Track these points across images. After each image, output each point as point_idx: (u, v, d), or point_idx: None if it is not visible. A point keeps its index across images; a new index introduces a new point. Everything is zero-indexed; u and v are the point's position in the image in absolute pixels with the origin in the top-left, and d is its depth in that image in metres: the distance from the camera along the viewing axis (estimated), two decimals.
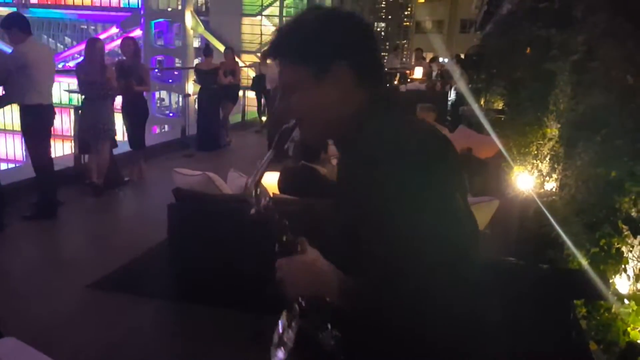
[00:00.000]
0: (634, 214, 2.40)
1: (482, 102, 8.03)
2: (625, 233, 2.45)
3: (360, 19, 1.17)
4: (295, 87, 1.14)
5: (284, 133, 1.16)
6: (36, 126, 4.86)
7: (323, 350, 1.06)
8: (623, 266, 2.48)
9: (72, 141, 6.70)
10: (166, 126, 27.90)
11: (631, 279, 2.49)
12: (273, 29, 32.18)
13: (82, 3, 36.09)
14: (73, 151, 6.57)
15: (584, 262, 2.58)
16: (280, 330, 1.14)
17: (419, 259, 0.93)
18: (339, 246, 1.10)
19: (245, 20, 32.25)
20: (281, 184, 3.98)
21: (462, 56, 12.54)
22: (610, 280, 2.56)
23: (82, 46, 6.07)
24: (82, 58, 5.96)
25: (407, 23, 49.01)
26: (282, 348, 1.10)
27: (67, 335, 3.14)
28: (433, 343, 0.98)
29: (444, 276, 0.93)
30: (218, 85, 8.37)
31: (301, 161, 3.79)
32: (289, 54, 1.14)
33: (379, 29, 50.03)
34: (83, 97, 5.82)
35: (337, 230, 1.14)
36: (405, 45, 38.91)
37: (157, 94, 32.22)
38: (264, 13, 32.48)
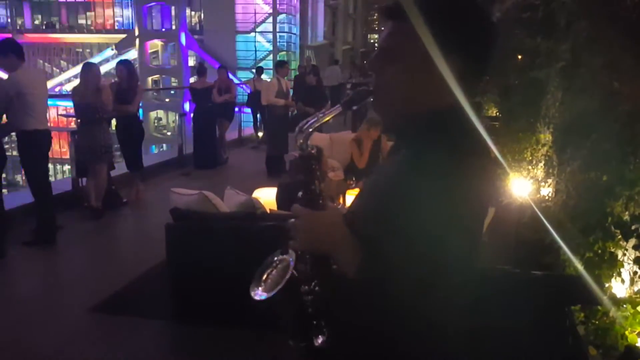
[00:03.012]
0: (625, 217, 2.42)
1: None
2: (618, 237, 2.47)
3: (498, 28, 1.09)
4: (398, 58, 1.05)
5: (360, 93, 1.10)
6: (33, 152, 4.89)
7: (303, 311, 1.04)
8: (618, 270, 2.49)
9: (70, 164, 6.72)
10: (164, 145, 27.99)
11: (626, 282, 2.50)
12: (267, 45, 32.43)
13: (77, 26, 36.34)
14: (71, 174, 6.60)
15: (580, 267, 2.59)
16: (264, 266, 1.09)
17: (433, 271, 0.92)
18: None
19: (240, 37, 32.50)
20: (279, 199, 4.01)
21: None
22: (607, 285, 2.57)
23: (78, 69, 6.11)
24: (78, 82, 6.01)
25: None
26: (261, 285, 1.06)
27: (71, 359, 3.14)
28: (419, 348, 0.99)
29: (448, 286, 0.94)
30: (213, 104, 8.43)
31: (298, 176, 3.81)
32: (408, 21, 1.01)
33: (372, 41, 50.23)
34: (79, 120, 5.86)
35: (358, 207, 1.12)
36: None
37: (153, 114, 32.36)
38: (257, 30, 32.74)
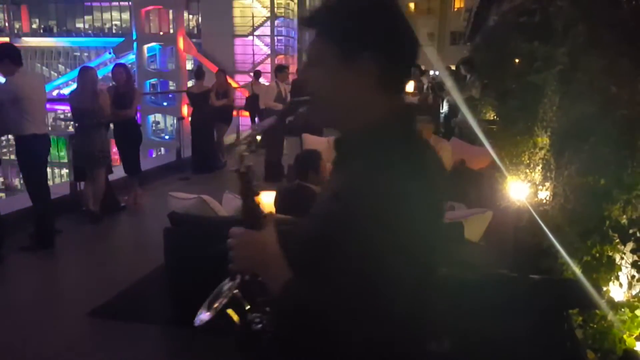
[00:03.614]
0: (623, 221, 2.42)
1: (474, 115, 8.09)
2: (616, 241, 2.47)
3: (408, 20, 1.07)
4: (319, 63, 1.08)
5: (294, 104, 1.14)
6: (32, 156, 4.88)
7: (248, 329, 1.06)
8: (616, 274, 2.50)
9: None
10: (162, 149, 27.97)
11: (624, 286, 2.50)
12: (265, 48, 32.45)
13: (75, 30, 36.35)
14: (69, 179, 6.59)
15: (578, 271, 2.60)
16: (215, 294, 1.11)
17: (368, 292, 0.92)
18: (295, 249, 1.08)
19: (238, 41, 32.54)
20: (277, 203, 4.00)
21: (453, 67, 12.63)
22: (605, 288, 2.58)
23: (76, 73, 6.11)
24: (75, 86, 6.01)
25: None
26: (209, 311, 1.08)
27: None
28: None
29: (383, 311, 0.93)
30: (211, 108, 8.43)
31: (296, 180, 3.82)
32: (322, 27, 1.07)
33: None
34: (77, 124, 5.85)
35: (300, 229, 1.12)
36: None
37: (152, 117, 32.36)
38: (255, 33, 32.78)
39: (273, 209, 4.24)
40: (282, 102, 8.14)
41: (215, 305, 1.07)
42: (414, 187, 0.96)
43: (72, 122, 6.43)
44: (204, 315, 1.08)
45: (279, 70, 8.74)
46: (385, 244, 0.92)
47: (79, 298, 4.03)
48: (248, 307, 1.07)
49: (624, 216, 2.40)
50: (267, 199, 4.67)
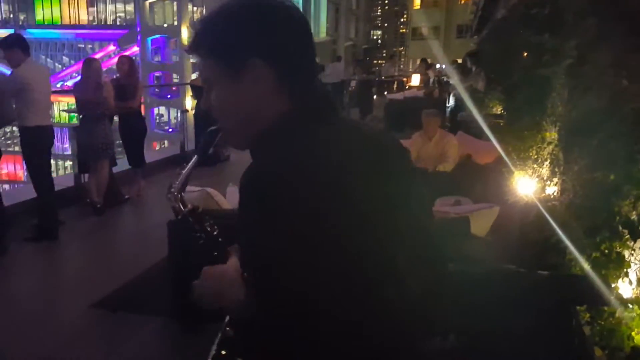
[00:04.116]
0: (633, 217, 2.39)
1: (481, 109, 8.05)
2: (626, 237, 2.44)
3: (290, 11, 1.03)
4: (212, 84, 1.06)
5: (208, 137, 1.13)
6: (36, 147, 4.88)
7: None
8: (625, 270, 2.47)
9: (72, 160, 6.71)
10: (166, 142, 28.01)
11: (634, 283, 2.47)
12: None
13: (79, 22, 36.35)
14: (73, 170, 6.59)
15: (587, 267, 2.57)
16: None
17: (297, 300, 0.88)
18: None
19: None
20: None
21: (459, 61, 12.58)
22: (613, 285, 2.54)
23: (80, 65, 6.09)
24: (79, 77, 5.99)
25: (403, 30, 49.23)
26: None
27: (72, 357, 3.13)
28: None
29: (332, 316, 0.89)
30: None
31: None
32: (201, 48, 1.05)
33: (375, 37, 50.20)
34: (81, 116, 5.84)
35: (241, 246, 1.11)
36: (402, 52, 39.03)
37: (155, 110, 32.37)
38: None
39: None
40: None
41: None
42: (318, 165, 0.92)
43: (76, 114, 6.41)
44: None
45: None
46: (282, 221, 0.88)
47: (81, 290, 4.03)
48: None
49: (634, 212, 2.37)
50: None
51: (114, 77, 6.72)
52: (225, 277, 1.06)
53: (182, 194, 1.11)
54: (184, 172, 1.13)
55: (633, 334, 2.44)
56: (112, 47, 34.14)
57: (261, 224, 0.91)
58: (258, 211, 0.91)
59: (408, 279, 0.97)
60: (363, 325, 0.92)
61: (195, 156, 1.14)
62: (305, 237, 0.88)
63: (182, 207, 1.11)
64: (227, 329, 1.07)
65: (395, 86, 14.81)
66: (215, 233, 1.11)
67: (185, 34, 31.25)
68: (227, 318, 1.09)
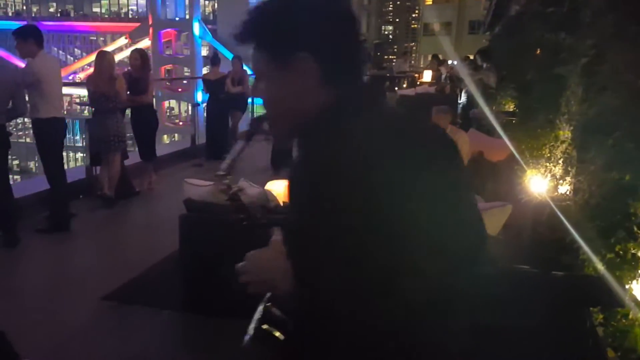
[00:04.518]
0: None
1: (493, 106, 7.99)
2: None
3: (339, 4, 1.05)
4: (261, 74, 1.08)
5: (254, 123, 1.16)
6: (50, 139, 4.91)
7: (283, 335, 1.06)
8: (639, 272, 2.44)
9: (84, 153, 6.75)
10: (176, 135, 28.10)
11: None
12: None
13: (92, 14, 36.49)
14: (84, 163, 6.63)
15: (601, 268, 2.54)
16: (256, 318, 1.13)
17: (351, 280, 0.89)
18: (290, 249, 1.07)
19: None
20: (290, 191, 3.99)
21: (471, 57, 12.49)
22: (627, 286, 2.52)
23: (92, 57, 6.12)
24: (92, 70, 6.01)
25: (415, 25, 48.97)
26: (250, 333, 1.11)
27: (83, 349, 3.16)
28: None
29: (381, 299, 0.89)
30: (226, 95, 8.39)
31: None
32: (251, 37, 1.07)
33: (386, 32, 49.97)
34: (93, 109, 5.86)
35: (286, 233, 1.10)
36: (414, 48, 38.83)
37: (166, 103, 32.46)
38: None
39: (286, 197, 4.23)
40: None
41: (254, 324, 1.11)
42: (371, 154, 0.91)
43: (87, 107, 6.44)
44: (247, 337, 1.12)
45: None
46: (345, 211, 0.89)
47: (92, 282, 4.05)
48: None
49: None
50: (278, 188, 4.65)
51: (126, 70, 6.75)
52: (276, 265, 1.05)
53: (229, 176, 1.14)
54: (231, 155, 1.18)
55: None
56: (124, 40, 34.24)
57: (312, 215, 0.93)
58: (310, 203, 0.93)
59: (444, 272, 0.95)
60: (403, 318, 0.91)
61: (242, 141, 1.17)
62: (355, 228, 0.88)
63: (229, 189, 1.15)
64: (269, 304, 1.08)
65: (405, 82, 14.75)
66: (258, 216, 1.11)
67: (196, 28, 31.27)
68: (268, 295, 1.09)
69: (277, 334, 1.07)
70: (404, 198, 0.90)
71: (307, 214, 0.95)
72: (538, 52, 5.67)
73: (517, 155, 5.80)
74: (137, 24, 33.97)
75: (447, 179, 0.99)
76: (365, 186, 0.89)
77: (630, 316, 2.54)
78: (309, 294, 0.96)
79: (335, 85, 1.03)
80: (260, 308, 1.10)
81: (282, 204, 3.76)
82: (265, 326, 1.07)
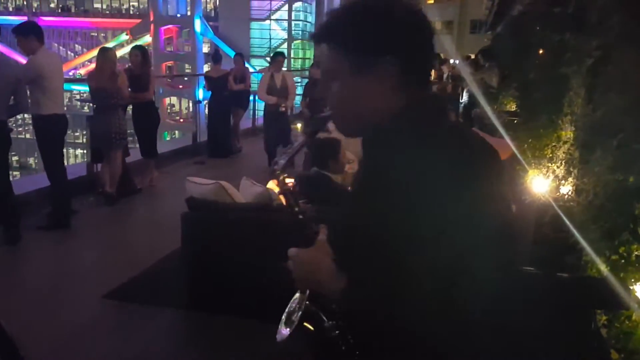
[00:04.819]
0: None
1: (495, 105, 7.97)
2: None
3: (420, 13, 1.07)
4: (335, 76, 1.08)
5: (318, 122, 1.17)
6: (52, 136, 4.90)
7: (326, 337, 1.08)
8: None
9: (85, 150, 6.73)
10: (176, 132, 28.06)
11: None
12: (282, 33, 32.30)
13: (92, 10, 36.43)
14: (85, 159, 6.61)
15: (604, 269, 2.54)
16: (291, 309, 1.15)
17: (414, 280, 0.92)
18: (341, 248, 1.08)
19: (254, 24, 32.37)
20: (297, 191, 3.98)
21: (472, 57, 12.46)
22: (631, 288, 2.51)
23: (93, 53, 6.12)
24: (93, 66, 5.99)
25: None
26: (289, 327, 1.11)
27: (85, 348, 3.15)
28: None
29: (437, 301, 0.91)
30: (228, 92, 8.38)
31: (314, 168, 3.77)
32: (332, 40, 1.08)
33: None
34: (95, 105, 5.85)
35: (341, 230, 1.11)
36: None
37: (167, 100, 32.41)
38: (272, 17, 32.59)
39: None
40: (277, 94, 7.55)
41: (293, 320, 1.11)
42: (439, 168, 0.95)
43: (88, 103, 6.42)
44: (284, 331, 1.12)
45: (273, 58, 8.06)
46: (413, 222, 0.92)
47: (94, 279, 4.05)
48: (323, 317, 1.09)
49: None
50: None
51: (127, 66, 6.73)
52: (322, 267, 1.06)
53: (285, 171, 1.13)
54: (290, 151, 1.17)
55: None
56: (124, 36, 34.18)
57: (375, 217, 0.98)
58: (374, 206, 0.98)
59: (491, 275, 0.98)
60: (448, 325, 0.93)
61: (304, 137, 1.18)
62: (419, 236, 0.92)
63: (284, 183, 1.13)
64: (308, 303, 1.09)
65: None
66: (308, 213, 1.13)
67: (198, 25, 31.20)
68: (306, 293, 1.10)
69: (312, 329, 1.09)
70: (463, 207, 0.93)
71: (370, 216, 1.00)
72: (541, 52, 5.65)
73: (519, 156, 5.78)
74: (138, 20, 33.87)
75: (494, 191, 1.01)
76: (427, 194, 0.92)
77: (634, 318, 2.53)
78: (363, 295, 0.99)
79: (408, 90, 1.05)
80: (297, 301, 1.12)
81: (284, 203, 3.76)
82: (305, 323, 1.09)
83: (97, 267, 4.36)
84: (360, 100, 1.07)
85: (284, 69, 8.94)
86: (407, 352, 0.97)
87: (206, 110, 9.67)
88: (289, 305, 1.16)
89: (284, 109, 7.60)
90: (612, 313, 2.49)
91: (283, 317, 1.15)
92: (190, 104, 19.33)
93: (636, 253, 2.46)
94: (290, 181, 1.15)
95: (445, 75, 12.08)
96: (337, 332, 1.07)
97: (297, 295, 1.14)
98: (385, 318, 0.97)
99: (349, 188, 1.22)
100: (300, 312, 1.08)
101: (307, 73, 13.38)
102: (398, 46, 1.03)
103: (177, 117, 32.62)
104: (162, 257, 4.39)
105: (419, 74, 1.08)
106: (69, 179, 5.32)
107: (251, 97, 9.65)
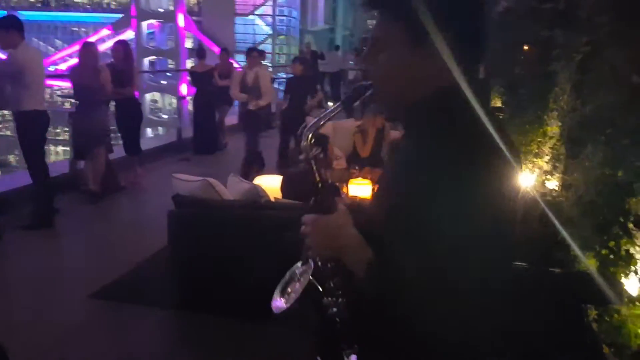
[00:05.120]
0: None
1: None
2: (635, 234, 2.42)
3: (484, 6, 1.04)
4: (387, 45, 1.03)
5: (357, 90, 1.12)
6: (33, 132, 4.80)
7: (324, 314, 1.06)
8: (633, 268, 2.45)
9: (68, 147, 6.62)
10: (159, 128, 27.80)
11: None
12: (266, 29, 32.17)
13: (73, 5, 35.91)
14: (68, 157, 6.51)
15: (590, 265, 2.55)
16: (287, 278, 1.13)
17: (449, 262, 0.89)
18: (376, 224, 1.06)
19: (238, 20, 32.17)
20: (284, 188, 3.94)
21: None
22: (620, 282, 2.53)
23: (74, 48, 6.02)
24: (76, 61, 5.89)
25: None
26: (284, 297, 1.10)
27: (75, 348, 3.09)
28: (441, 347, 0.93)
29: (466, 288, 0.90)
30: (214, 88, 8.30)
31: (303, 164, 3.75)
32: (390, 8, 1.03)
33: (372, 27, 49.83)
34: (77, 102, 5.75)
35: (375, 208, 1.10)
36: None
37: (149, 96, 32.09)
38: (256, 12, 32.43)
39: (277, 193, 4.19)
40: (248, 92, 7.09)
41: (289, 290, 1.09)
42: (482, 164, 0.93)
43: (69, 99, 6.32)
44: (279, 303, 1.10)
45: (248, 54, 7.57)
46: (460, 217, 0.89)
47: (79, 279, 3.97)
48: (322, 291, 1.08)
49: None
50: (267, 183, 4.62)
51: (109, 62, 6.62)
52: (345, 231, 1.04)
53: (313, 138, 1.10)
54: (322, 117, 1.12)
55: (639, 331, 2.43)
56: (106, 31, 33.74)
57: (415, 200, 0.93)
58: (416, 187, 0.94)
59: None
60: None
61: (339, 103, 1.13)
62: (481, 227, 0.89)
63: (310, 148, 1.09)
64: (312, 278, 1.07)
65: None
66: (329, 182, 1.09)
67: (181, 20, 30.91)
68: (311, 266, 1.08)
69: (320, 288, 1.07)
70: (499, 198, 0.93)
71: (410, 197, 0.95)
72: (526, 48, 5.67)
73: (505, 151, 5.80)
74: (120, 15, 33.47)
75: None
76: (464, 182, 0.90)
77: (623, 312, 2.55)
78: (392, 275, 0.95)
79: (458, 69, 1.01)
80: (299, 272, 1.11)
81: (273, 199, 3.72)
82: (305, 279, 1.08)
83: (82, 266, 4.29)
84: (405, 73, 1.03)
85: (269, 64, 8.82)
86: (405, 341, 0.95)
87: (190, 107, 9.56)
88: (286, 274, 1.14)
89: (253, 107, 7.01)
90: (602, 307, 2.50)
91: (279, 286, 1.12)
92: (173, 100, 19.15)
93: (625, 247, 2.48)
94: (316, 149, 1.12)
95: None
96: (334, 309, 1.05)
97: (298, 265, 1.12)
98: (408, 302, 0.93)
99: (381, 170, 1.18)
100: (302, 286, 1.06)
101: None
102: (455, 25, 0.98)
103: (160, 114, 32.32)
104: (149, 255, 4.33)
105: (472, 53, 1.04)
106: (52, 177, 5.21)
107: None
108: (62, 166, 6.44)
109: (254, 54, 7.51)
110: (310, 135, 1.09)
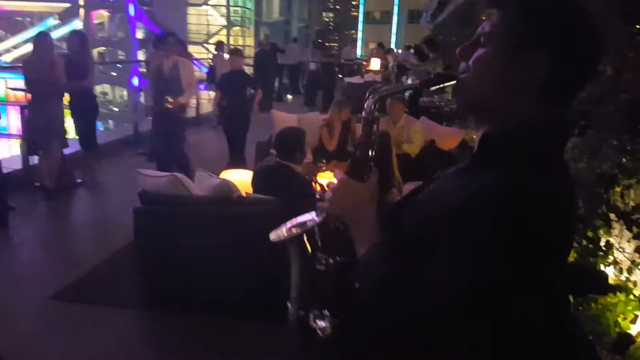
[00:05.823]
0: (621, 206, 2.41)
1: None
2: (614, 225, 2.47)
3: (600, 33, 0.94)
4: (488, 44, 0.96)
5: (440, 76, 1.08)
6: None
7: (312, 266, 1.09)
8: (614, 258, 2.50)
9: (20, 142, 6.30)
10: (110, 121, 26.96)
11: (623, 270, 2.51)
12: (221, 19, 31.64)
13: None
14: (21, 152, 6.18)
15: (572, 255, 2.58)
16: (296, 224, 1.14)
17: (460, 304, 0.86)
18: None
19: (191, 10, 31.48)
20: (255, 182, 3.85)
21: (412, 46, 12.60)
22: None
23: (19, 39, 5.71)
24: (31, 54, 5.58)
25: (355, 13, 49.15)
26: (286, 231, 1.13)
27: (38, 352, 2.94)
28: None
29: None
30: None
31: (276, 158, 3.66)
32: (510, 11, 0.96)
33: (327, 19, 49.93)
34: (32, 95, 5.45)
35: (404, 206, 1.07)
36: (354, 36, 39.00)
37: (99, 88, 31.04)
38: (210, 3, 31.80)
39: (247, 188, 4.09)
40: (165, 85, 5.88)
41: (294, 230, 1.12)
42: (562, 197, 0.90)
43: (22, 92, 6.00)
44: (279, 232, 1.13)
45: (164, 40, 6.61)
46: (529, 248, 0.84)
47: (38, 280, 3.78)
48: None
49: (625, 201, 2.39)
50: (235, 177, 4.50)
51: (63, 52, 6.31)
52: (366, 204, 1.04)
53: (377, 102, 1.09)
54: (397, 86, 1.12)
55: (619, 319, 2.48)
56: (52, 21, 32.40)
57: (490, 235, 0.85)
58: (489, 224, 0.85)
59: None
60: None
61: (417, 81, 1.16)
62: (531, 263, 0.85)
63: (371, 110, 1.08)
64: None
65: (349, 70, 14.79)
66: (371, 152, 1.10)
67: (131, 9, 30.01)
68: (321, 217, 1.10)
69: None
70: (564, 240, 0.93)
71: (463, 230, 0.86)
72: None
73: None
74: (67, 4, 32.17)
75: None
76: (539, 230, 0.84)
77: (600, 300, 2.60)
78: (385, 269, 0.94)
79: (547, 102, 0.94)
80: (309, 219, 1.13)
81: (244, 194, 3.62)
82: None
83: (40, 266, 4.09)
84: (493, 79, 0.96)
85: (226, 56, 8.49)
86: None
87: (142, 99, 9.26)
88: (299, 218, 1.15)
89: (169, 105, 5.72)
90: (581, 297, 2.54)
91: (286, 223, 1.15)
92: (127, 92, 18.59)
93: (605, 238, 2.52)
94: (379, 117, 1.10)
95: (390, 65, 12.17)
96: (322, 267, 1.08)
97: (313, 213, 1.13)
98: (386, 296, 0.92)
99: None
100: (303, 230, 1.10)
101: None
102: (563, 51, 0.90)
103: (110, 106, 31.35)
104: (111, 254, 4.15)
105: (569, 88, 0.96)
106: (4, 173, 4.94)
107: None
108: (14, 162, 6.09)
109: (170, 39, 6.47)
110: (377, 98, 1.08)
